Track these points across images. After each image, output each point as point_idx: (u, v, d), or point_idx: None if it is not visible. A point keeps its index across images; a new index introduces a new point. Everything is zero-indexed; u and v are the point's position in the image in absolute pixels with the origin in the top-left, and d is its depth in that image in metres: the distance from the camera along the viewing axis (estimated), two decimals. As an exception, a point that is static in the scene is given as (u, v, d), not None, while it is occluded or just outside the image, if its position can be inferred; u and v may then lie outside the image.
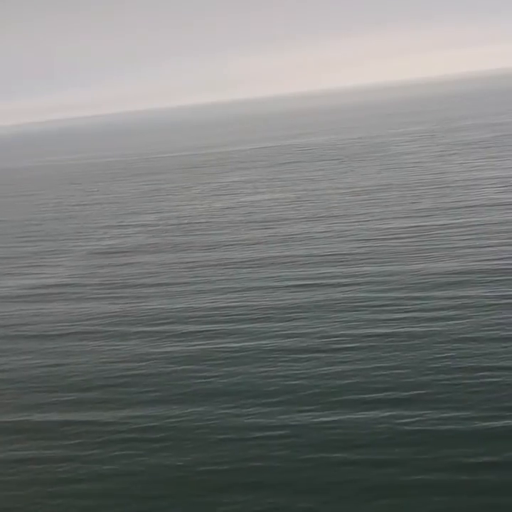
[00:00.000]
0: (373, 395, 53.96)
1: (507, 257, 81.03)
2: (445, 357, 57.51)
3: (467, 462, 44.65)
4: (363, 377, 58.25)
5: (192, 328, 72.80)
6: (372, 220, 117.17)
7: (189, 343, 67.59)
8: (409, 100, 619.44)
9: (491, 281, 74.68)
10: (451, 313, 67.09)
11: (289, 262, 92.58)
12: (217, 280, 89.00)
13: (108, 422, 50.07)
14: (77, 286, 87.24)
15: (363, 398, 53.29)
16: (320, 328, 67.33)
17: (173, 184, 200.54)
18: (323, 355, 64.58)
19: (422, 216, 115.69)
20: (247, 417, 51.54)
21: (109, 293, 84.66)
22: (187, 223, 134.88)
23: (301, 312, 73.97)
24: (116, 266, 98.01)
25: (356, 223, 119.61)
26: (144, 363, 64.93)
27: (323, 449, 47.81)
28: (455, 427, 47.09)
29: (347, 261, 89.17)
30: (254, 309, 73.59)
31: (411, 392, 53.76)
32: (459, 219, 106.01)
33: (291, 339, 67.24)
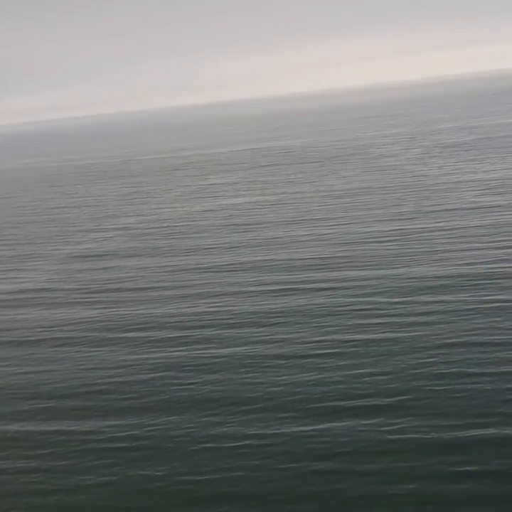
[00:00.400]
0: (354, 402, 53.48)
1: (487, 262, 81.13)
2: (426, 363, 57.20)
3: (448, 471, 44.32)
4: (343, 384, 57.61)
5: (171, 334, 72.05)
6: (353, 224, 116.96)
7: (168, 349, 66.83)
8: (391, 103, 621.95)
9: (471, 286, 74.60)
10: (432, 318, 66.91)
11: (269, 267, 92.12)
12: (198, 285, 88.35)
13: (85, 431, 49.14)
14: (55, 291, 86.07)
15: (344, 406, 52.69)
16: (301, 334, 66.85)
17: (154, 186, 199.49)
18: (303, 361, 63.83)
19: (403, 219, 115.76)
20: (226, 426, 50.83)
21: (87, 298, 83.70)
22: (167, 226, 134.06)
23: (281, 318, 73.36)
24: (95, 270, 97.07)
25: (337, 227, 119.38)
26: (121, 370, 63.97)
27: (303, 458, 47.14)
28: (436, 436, 46.53)
29: (328, 265, 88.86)
30: (235, 315, 72.98)
31: (392, 399, 53.14)
32: (439, 222, 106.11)
33: (271, 345, 65.66)
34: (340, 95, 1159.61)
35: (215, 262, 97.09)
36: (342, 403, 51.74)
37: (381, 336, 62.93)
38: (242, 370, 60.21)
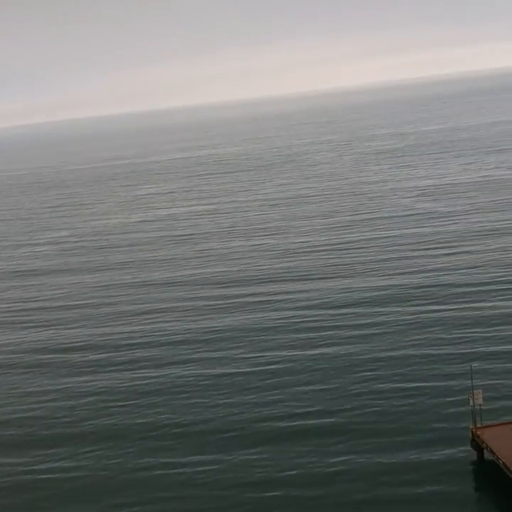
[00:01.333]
0: (293, 424, 51.41)
1: (424, 271, 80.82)
2: (365, 378, 56.02)
3: (392, 494, 43.15)
4: (281, 404, 54.35)
5: (104, 355, 68.80)
6: (290, 234, 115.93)
7: (100, 372, 63.15)
8: (325, 110, 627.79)
9: (408, 297, 73.75)
10: (371, 331, 65.81)
11: (206, 281, 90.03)
12: (132, 301, 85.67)
13: (10, 463, 46.52)
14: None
15: (283, 428, 50.14)
16: (237, 352, 64.26)
17: (87, 197, 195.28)
18: (240, 380, 59.53)
19: (339, 229, 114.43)
20: (160, 453, 47.90)
21: (17, 318, 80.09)
22: (101, 239, 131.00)
23: (218, 334, 69.96)
24: (26, 288, 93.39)
25: (274, 237, 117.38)
26: (49, 397, 58.67)
27: (240, 485, 45.12)
28: (376, 458, 45.54)
29: (265, 278, 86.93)
30: (170, 332, 70.73)
31: (329, 420, 50.18)
32: (375, 232, 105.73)
33: (207, 364, 63.24)
34: (274, 103, 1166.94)
35: (150, 276, 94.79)
36: (281, 424, 50.02)
37: (320, 351, 61.89)
38: (178, 391, 57.83)
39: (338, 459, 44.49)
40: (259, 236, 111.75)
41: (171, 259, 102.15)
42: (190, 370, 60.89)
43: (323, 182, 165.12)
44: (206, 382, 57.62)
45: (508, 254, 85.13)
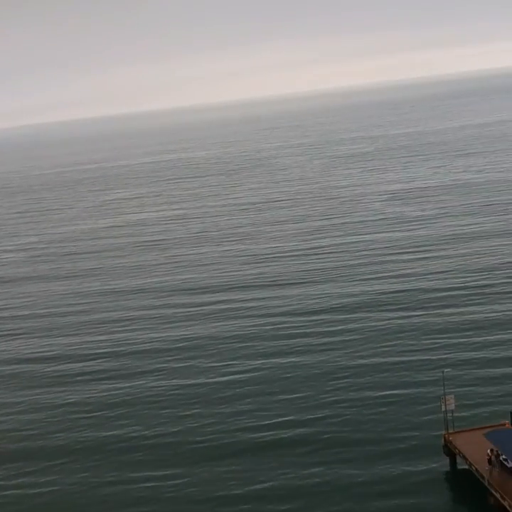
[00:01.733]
0: (260, 436, 50.15)
1: (395, 277, 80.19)
2: (337, 388, 55.48)
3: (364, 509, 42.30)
4: (250, 416, 53.31)
5: (70, 366, 66.45)
6: (262, 240, 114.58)
7: (66, 384, 61.16)
8: (295, 113, 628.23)
9: (380, 304, 73.06)
10: (342, 338, 65.11)
11: (176, 288, 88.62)
12: (101, 310, 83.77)
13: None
14: None
15: (251, 440, 49.03)
16: (207, 362, 62.75)
17: (55, 202, 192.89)
18: (210, 391, 57.87)
19: (309, 235, 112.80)
20: (122, 470, 46.91)
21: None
22: (70, 245, 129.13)
23: (188, 343, 68.66)
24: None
25: (244, 243, 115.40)
26: (14, 410, 57.92)
27: (207, 501, 43.47)
28: (343, 475, 44.80)
29: (235, 285, 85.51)
30: (138, 343, 69.04)
31: (299, 431, 49.62)
32: (346, 237, 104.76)
33: (177, 375, 61.70)
34: (244, 106, 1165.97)
35: (119, 284, 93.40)
36: (252, 436, 48.69)
37: (291, 359, 61.11)
38: (147, 402, 56.37)
39: (311, 471, 43.89)
40: (230, 241, 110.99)
41: (140, 265, 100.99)
42: (159, 380, 59.94)
43: (294, 186, 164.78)
44: (176, 392, 56.77)
45: (477, 259, 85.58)
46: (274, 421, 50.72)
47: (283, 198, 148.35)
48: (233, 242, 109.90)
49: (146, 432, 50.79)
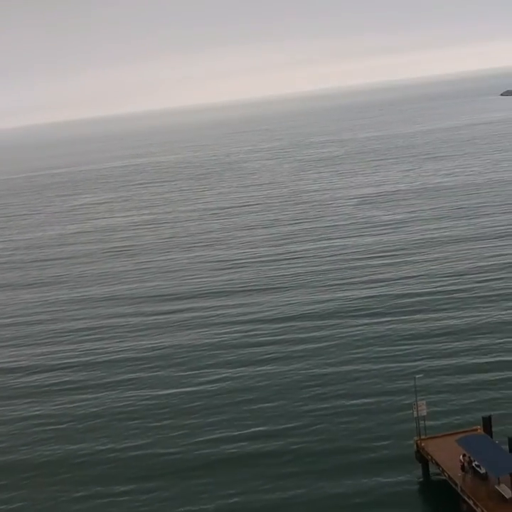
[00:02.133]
0: (230, 448, 48.05)
1: (364, 283, 78.92)
2: (306, 398, 53.80)
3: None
4: (217, 429, 51.70)
5: (38, 377, 63.79)
6: (231, 245, 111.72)
7: (33, 396, 58.74)
8: (265, 117, 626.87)
9: (351, 310, 71.82)
10: (313, 346, 63.96)
11: (144, 296, 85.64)
12: (70, 319, 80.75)
13: None
14: None
15: (220, 453, 47.41)
16: (175, 370, 60.45)
17: (21, 208, 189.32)
18: (178, 399, 56.32)
19: (281, 239, 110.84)
20: (90, 484, 44.97)
21: None
22: (36, 252, 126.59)
23: (155, 353, 66.59)
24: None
25: (214, 249, 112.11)
26: None
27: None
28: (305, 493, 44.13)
29: (205, 293, 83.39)
30: (107, 353, 66.72)
31: (272, 443, 48.05)
32: (317, 243, 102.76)
33: (143, 384, 59.94)
34: (215, 109, 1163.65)
35: (87, 292, 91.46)
36: (223, 448, 47.19)
37: (261, 368, 59.74)
38: (115, 413, 54.08)
39: (283, 483, 43.09)
40: (199, 247, 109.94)
41: (108, 273, 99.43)
42: (129, 391, 58.76)
43: (264, 190, 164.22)
44: (144, 403, 55.69)
45: (447, 264, 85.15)
46: (245, 432, 49.94)
47: (252, 203, 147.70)
48: (203, 248, 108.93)
49: (114, 445, 49.72)
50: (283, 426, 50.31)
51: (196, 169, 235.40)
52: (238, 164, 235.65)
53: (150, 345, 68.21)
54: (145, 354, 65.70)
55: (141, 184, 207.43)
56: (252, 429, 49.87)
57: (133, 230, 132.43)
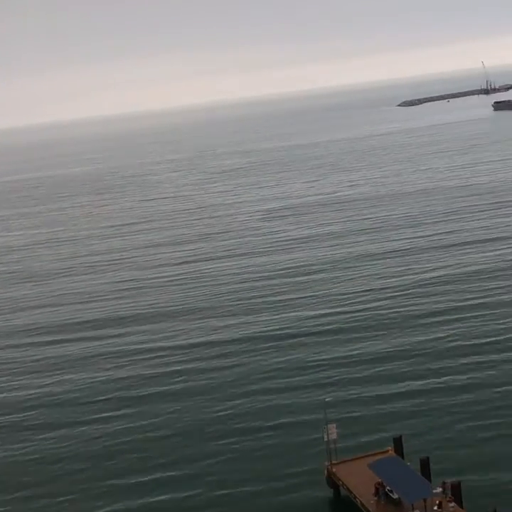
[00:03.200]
0: (143, 475, 45.14)
1: (273, 309, 75.12)
2: (218, 422, 50.28)
3: None
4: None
5: None
6: (135, 267, 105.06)
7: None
8: (169, 128, 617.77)
9: (253, 338, 67.14)
10: (213, 375, 59.50)
11: (42, 326, 79.62)
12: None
13: None
14: None
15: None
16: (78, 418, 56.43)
17: None
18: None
19: (187, 258, 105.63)
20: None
21: None
22: None
23: (52, 401, 60.81)
24: None
25: (121, 269, 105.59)
26: None
27: None
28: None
29: (109, 321, 79.16)
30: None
31: (183, 471, 45.58)
32: (223, 263, 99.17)
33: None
34: (110, 122, 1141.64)
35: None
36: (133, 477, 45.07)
37: (172, 402, 55.55)
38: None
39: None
40: (101, 268, 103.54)
41: (4, 299, 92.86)
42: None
43: (167, 204, 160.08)
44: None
45: (357, 281, 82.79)
46: (162, 461, 47.49)
47: (156, 218, 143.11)
48: (105, 270, 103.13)
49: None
50: (195, 453, 47.95)
51: (94, 183, 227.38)
52: (141, 177, 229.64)
53: (41, 384, 63.35)
54: (36, 401, 60.65)
55: (39, 199, 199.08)
56: (169, 458, 47.22)
57: (30, 250, 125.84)
